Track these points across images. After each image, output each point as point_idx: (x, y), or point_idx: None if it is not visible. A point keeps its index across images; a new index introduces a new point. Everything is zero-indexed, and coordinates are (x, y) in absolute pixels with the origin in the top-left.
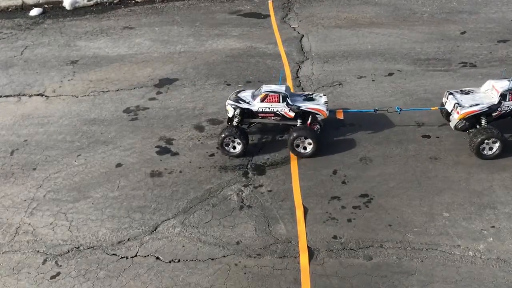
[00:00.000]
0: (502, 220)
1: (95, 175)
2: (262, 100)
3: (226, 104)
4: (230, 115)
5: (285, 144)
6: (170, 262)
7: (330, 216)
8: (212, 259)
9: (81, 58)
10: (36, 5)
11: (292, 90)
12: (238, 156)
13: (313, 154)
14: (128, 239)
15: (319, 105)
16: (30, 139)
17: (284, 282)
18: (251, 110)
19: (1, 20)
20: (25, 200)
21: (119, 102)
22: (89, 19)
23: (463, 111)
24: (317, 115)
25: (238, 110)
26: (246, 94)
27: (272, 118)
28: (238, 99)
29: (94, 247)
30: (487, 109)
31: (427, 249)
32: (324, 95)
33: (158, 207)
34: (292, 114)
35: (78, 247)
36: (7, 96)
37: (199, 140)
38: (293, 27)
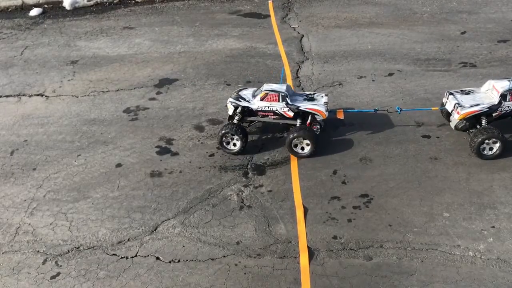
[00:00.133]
0: (502, 220)
1: (95, 175)
2: (262, 99)
3: (227, 102)
4: (230, 113)
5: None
6: (170, 262)
7: (330, 216)
8: (212, 259)
9: (81, 58)
10: (36, 5)
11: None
12: (236, 153)
13: (311, 155)
14: (128, 239)
15: (318, 105)
16: (30, 139)
17: (284, 282)
18: (251, 109)
19: (1, 20)
20: (25, 200)
21: (119, 102)
22: (89, 19)
23: (464, 111)
24: (316, 116)
25: (238, 108)
26: (247, 93)
27: (272, 117)
28: (238, 97)
29: (94, 247)
30: (487, 109)
31: (427, 249)
32: (326, 95)
33: (158, 207)
34: (291, 114)
35: (78, 247)
36: (7, 96)
37: (199, 140)
38: (293, 27)
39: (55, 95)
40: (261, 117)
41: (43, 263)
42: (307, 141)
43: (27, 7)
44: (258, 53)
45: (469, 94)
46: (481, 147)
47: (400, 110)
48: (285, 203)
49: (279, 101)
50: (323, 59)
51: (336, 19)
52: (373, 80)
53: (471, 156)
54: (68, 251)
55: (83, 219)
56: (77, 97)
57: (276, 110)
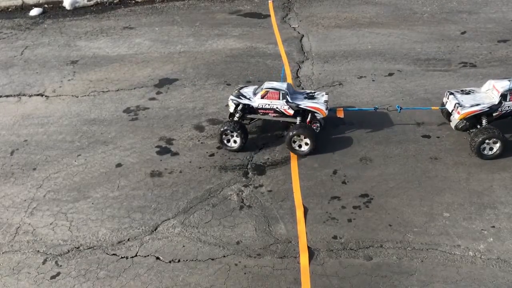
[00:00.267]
0: (503, 220)
1: (95, 175)
2: (262, 97)
3: (229, 99)
4: (231, 110)
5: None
6: (170, 262)
7: (330, 216)
8: (212, 259)
9: (81, 58)
10: (36, 5)
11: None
12: (237, 150)
13: (310, 152)
14: (128, 239)
15: (318, 103)
16: (30, 139)
17: (284, 282)
18: (252, 106)
19: (1, 20)
20: (25, 200)
21: (119, 102)
22: (89, 19)
23: (464, 111)
24: (316, 114)
25: (239, 106)
26: (248, 90)
27: (272, 115)
28: (239, 95)
29: (94, 247)
30: (487, 109)
31: (427, 249)
32: (326, 93)
33: (158, 207)
34: (291, 112)
35: (78, 247)
36: (7, 96)
37: (199, 140)
38: (293, 27)
39: (55, 95)
40: (261, 114)
41: (43, 263)
42: (307, 139)
43: (27, 7)
44: (258, 53)
45: (469, 94)
46: (481, 147)
47: (400, 109)
48: (285, 203)
49: (279, 99)
50: (323, 59)
51: (336, 19)
52: (373, 80)
53: (471, 156)
54: (68, 251)
55: (83, 219)
56: (77, 97)
57: (277, 108)
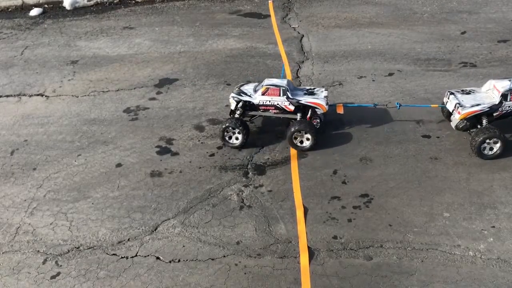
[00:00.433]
0: (503, 220)
1: (95, 175)
2: (263, 93)
3: (230, 97)
4: (232, 107)
5: (286, 144)
6: (170, 262)
7: (330, 216)
8: (212, 259)
9: (81, 58)
10: (36, 5)
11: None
12: (239, 147)
13: (311, 148)
14: (128, 239)
15: (318, 99)
16: (30, 139)
17: (284, 282)
18: (253, 103)
19: (1, 20)
20: (25, 200)
21: (119, 102)
22: (89, 19)
23: (464, 111)
24: (316, 109)
25: (240, 103)
26: (248, 87)
27: (273, 111)
28: (240, 92)
29: (94, 247)
30: (488, 109)
31: (427, 249)
32: (326, 90)
33: (158, 207)
34: (292, 108)
35: (78, 247)
36: (7, 96)
37: (199, 140)
38: (293, 27)
39: (55, 95)
40: (262, 111)
41: (43, 263)
42: (308, 135)
43: (27, 7)
44: (258, 53)
45: (470, 94)
46: (481, 146)
47: (400, 106)
48: (285, 203)
49: (280, 95)
50: (323, 59)
51: (336, 19)
52: (373, 80)
53: (471, 156)
54: (68, 251)
55: (83, 219)
56: (77, 97)
57: (277, 104)
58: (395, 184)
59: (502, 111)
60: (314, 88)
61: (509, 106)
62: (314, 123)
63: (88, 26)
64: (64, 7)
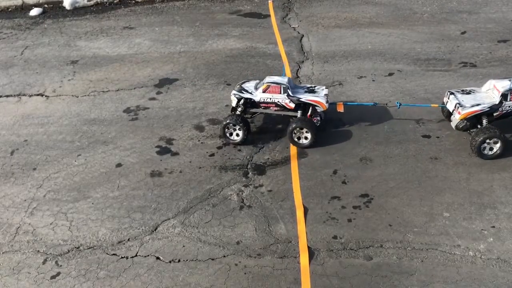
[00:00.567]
0: (503, 220)
1: (95, 175)
2: (264, 91)
3: (231, 94)
4: (233, 104)
5: (286, 144)
6: (170, 262)
7: (330, 216)
8: (212, 259)
9: (81, 58)
10: (36, 5)
11: None
12: (240, 143)
13: (311, 145)
14: (128, 239)
15: (318, 97)
16: (30, 139)
17: (284, 282)
18: (254, 100)
19: (1, 20)
20: (25, 200)
21: (119, 102)
22: (89, 19)
23: (465, 111)
24: (316, 107)
25: (241, 100)
26: (249, 85)
27: (273, 108)
28: (241, 89)
29: (94, 247)
30: (488, 109)
31: (427, 249)
32: (326, 88)
33: (158, 207)
34: (292, 105)
35: (78, 247)
36: (7, 96)
37: (199, 140)
38: (293, 27)
39: (55, 95)
40: (263, 108)
41: (43, 263)
42: (307, 133)
43: (27, 7)
44: (258, 53)
45: (470, 93)
46: (481, 146)
47: (400, 105)
48: (285, 203)
49: (280, 93)
50: (323, 59)
51: (336, 19)
52: (373, 80)
53: (471, 156)
54: (68, 251)
55: (83, 219)
56: (77, 97)
57: (278, 101)
58: (395, 184)
59: (502, 111)
60: (314, 86)
61: (509, 106)
62: (315, 121)
63: (88, 26)
64: (64, 7)
